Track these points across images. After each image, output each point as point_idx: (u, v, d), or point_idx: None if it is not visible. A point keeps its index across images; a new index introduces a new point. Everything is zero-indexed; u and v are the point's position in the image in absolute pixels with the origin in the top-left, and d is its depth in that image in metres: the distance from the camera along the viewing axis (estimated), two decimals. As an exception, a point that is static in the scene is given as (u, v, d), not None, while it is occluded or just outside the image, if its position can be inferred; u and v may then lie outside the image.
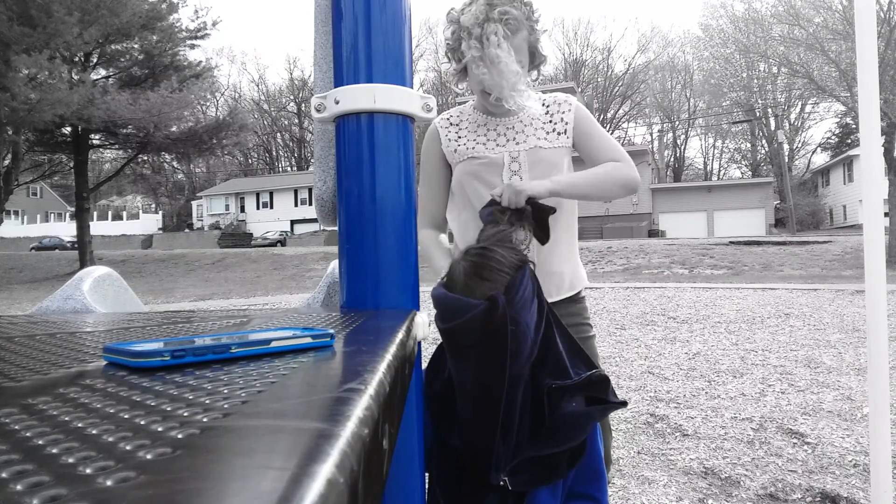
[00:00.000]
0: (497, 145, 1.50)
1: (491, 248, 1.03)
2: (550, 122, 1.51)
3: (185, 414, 0.25)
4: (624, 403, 1.07)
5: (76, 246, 27.82)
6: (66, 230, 38.68)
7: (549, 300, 1.43)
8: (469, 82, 1.48)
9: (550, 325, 1.04)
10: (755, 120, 41.49)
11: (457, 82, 1.52)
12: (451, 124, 1.58)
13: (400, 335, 0.48)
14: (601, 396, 1.05)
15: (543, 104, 1.53)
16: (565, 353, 1.04)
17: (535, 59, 1.46)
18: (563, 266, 1.53)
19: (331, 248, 23.31)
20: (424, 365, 1.04)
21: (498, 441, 0.96)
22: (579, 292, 1.58)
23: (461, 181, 1.54)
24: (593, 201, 1.55)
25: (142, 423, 0.24)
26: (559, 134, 1.50)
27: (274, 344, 0.42)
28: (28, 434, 0.22)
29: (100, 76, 20.14)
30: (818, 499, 2.25)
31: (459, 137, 1.55)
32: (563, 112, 1.51)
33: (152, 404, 0.27)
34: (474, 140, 1.53)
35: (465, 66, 1.42)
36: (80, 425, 0.24)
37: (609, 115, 50.96)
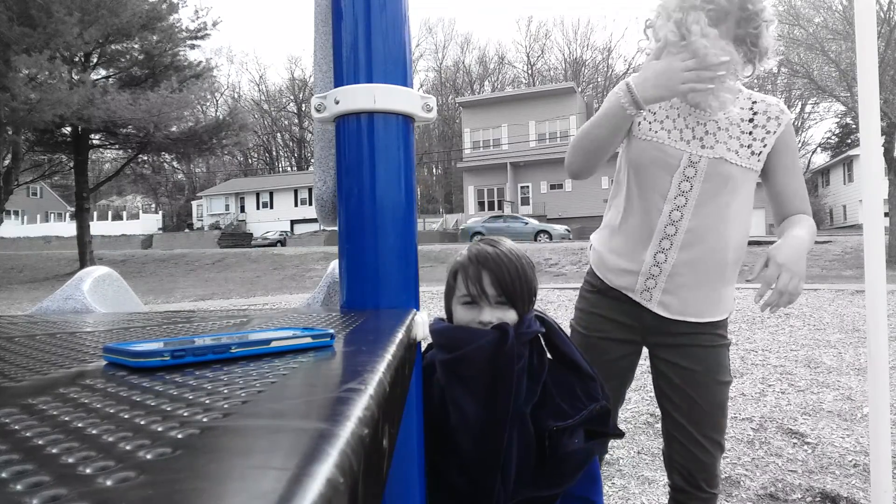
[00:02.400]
0: (682, 139, 1.34)
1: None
2: (751, 133, 1.34)
3: (185, 414, 0.25)
4: (622, 434, 1.07)
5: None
6: (66, 230, 38.67)
7: (678, 317, 1.38)
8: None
9: (548, 362, 1.05)
10: (755, 120, 41.43)
11: (656, 56, 1.32)
12: None
13: (400, 335, 0.48)
14: (601, 429, 1.05)
15: (752, 105, 1.35)
16: (566, 389, 1.03)
17: (748, 52, 1.28)
18: (729, 287, 1.42)
19: (331, 248, 23.31)
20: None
21: (497, 479, 0.95)
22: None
23: (633, 163, 1.39)
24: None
25: (142, 423, 0.24)
26: (753, 154, 1.32)
27: (274, 344, 0.42)
28: (28, 434, 0.22)
29: (100, 76, 20.12)
30: (818, 499, 2.25)
31: (656, 110, 1.38)
32: (769, 130, 1.33)
33: (152, 404, 0.27)
34: (661, 123, 1.36)
35: (662, 49, 1.26)
36: (80, 425, 0.24)
37: (609, 115, 50.76)
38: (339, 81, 0.81)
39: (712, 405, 1.40)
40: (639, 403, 3.54)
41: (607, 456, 2.71)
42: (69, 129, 19.60)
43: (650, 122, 1.38)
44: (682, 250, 1.35)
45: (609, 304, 1.46)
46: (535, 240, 22.73)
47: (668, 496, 1.56)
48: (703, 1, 1.20)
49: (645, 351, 1.53)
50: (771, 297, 1.17)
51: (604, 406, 1.03)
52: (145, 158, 23.72)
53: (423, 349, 0.97)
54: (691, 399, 1.41)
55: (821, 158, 44.87)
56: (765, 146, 1.34)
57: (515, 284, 1.03)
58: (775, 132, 1.34)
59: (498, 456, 0.94)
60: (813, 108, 38.58)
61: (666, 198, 1.34)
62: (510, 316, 1.03)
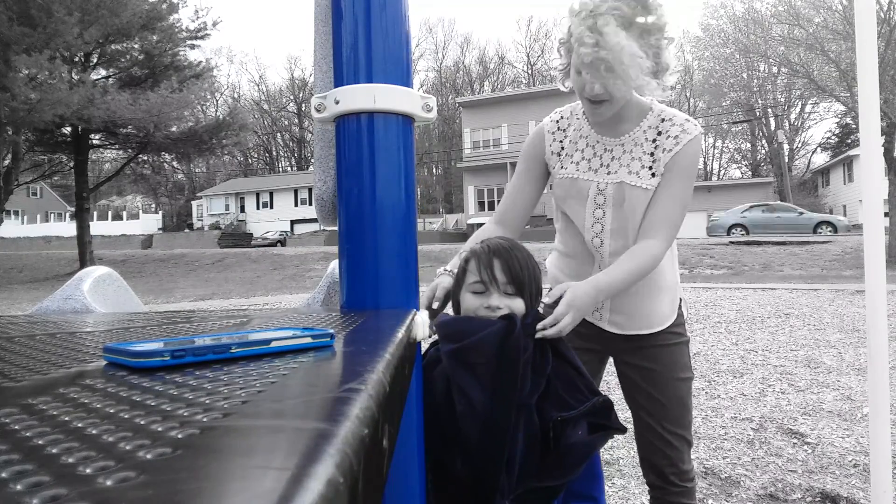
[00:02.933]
0: (589, 168, 1.41)
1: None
2: (653, 154, 1.36)
3: (185, 414, 0.25)
4: (624, 429, 1.08)
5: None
6: (66, 230, 38.68)
7: (625, 332, 1.46)
8: (573, 83, 1.35)
9: (551, 357, 1.07)
10: (755, 120, 41.49)
11: (562, 79, 1.41)
12: (558, 128, 1.48)
13: (400, 335, 0.48)
14: (604, 422, 1.06)
15: (659, 125, 1.38)
16: (568, 382, 1.05)
17: (651, 64, 1.29)
18: (667, 294, 1.48)
19: (331, 248, 23.31)
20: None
21: (502, 469, 0.96)
22: (679, 306, 1.53)
23: (556, 196, 1.49)
24: None
25: (142, 423, 0.24)
26: (654, 175, 1.35)
27: (274, 344, 0.42)
28: (28, 434, 0.22)
29: (100, 76, 20.12)
30: (818, 499, 2.25)
31: (563, 149, 1.46)
32: (666, 148, 1.35)
33: (152, 404, 0.27)
34: (571, 157, 1.44)
35: (570, 64, 1.32)
36: (80, 425, 0.24)
37: (609, 115, 50.84)
38: (339, 81, 0.81)
39: (673, 401, 1.48)
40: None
41: (607, 456, 2.71)
42: (69, 129, 19.60)
43: (561, 160, 1.46)
44: (611, 255, 1.41)
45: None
46: (815, 232, 18.64)
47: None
48: (609, 7, 1.22)
49: None
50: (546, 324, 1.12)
51: (606, 399, 1.04)
52: (145, 158, 23.71)
53: (423, 350, 0.97)
54: (653, 397, 1.49)
55: (821, 158, 44.92)
56: (662, 166, 1.36)
57: (524, 274, 1.07)
58: (672, 150, 1.35)
59: (503, 445, 0.95)
60: (813, 108, 38.59)
61: (584, 227, 1.42)
62: (518, 305, 1.06)
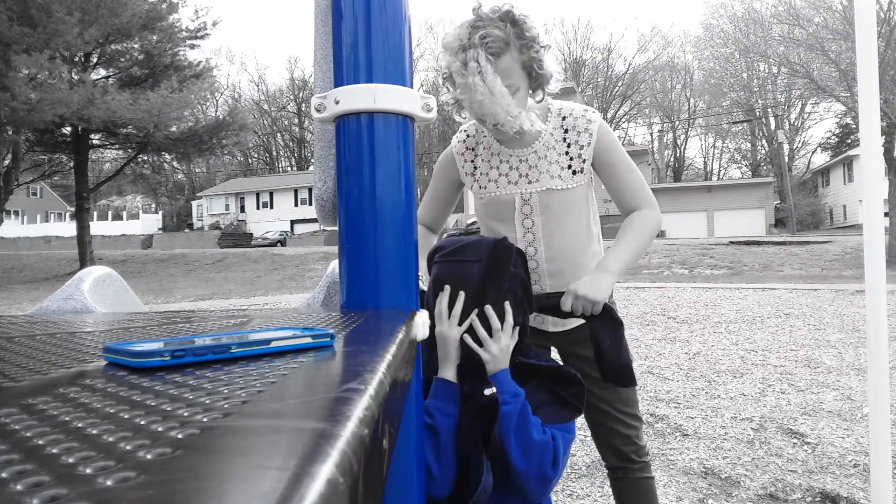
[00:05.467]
0: (509, 182, 1.42)
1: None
2: (567, 153, 1.39)
3: (185, 414, 0.25)
4: (580, 409, 1.16)
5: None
6: (66, 230, 38.68)
7: (567, 327, 1.52)
8: (469, 113, 1.37)
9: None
10: (755, 120, 41.49)
11: (457, 111, 1.42)
12: (467, 148, 1.49)
13: (400, 335, 0.48)
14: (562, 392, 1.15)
15: (562, 122, 1.41)
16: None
17: (534, 78, 1.33)
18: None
19: (331, 248, 23.30)
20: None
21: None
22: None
23: (479, 215, 1.52)
24: None
25: (142, 423, 0.24)
26: (575, 172, 1.39)
27: (274, 344, 0.42)
28: (28, 434, 0.22)
29: (100, 76, 20.11)
30: (818, 499, 2.25)
31: (476, 169, 1.48)
32: (582, 144, 1.38)
33: (152, 404, 0.27)
34: (487, 175, 1.45)
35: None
36: (80, 425, 0.24)
37: (609, 115, 50.96)
38: (339, 81, 0.81)
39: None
40: (639, 403, 3.55)
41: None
42: (69, 129, 19.59)
43: (478, 179, 1.47)
44: (550, 277, 1.45)
45: None
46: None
47: (608, 479, 1.68)
48: (480, 38, 1.22)
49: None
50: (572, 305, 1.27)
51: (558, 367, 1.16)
52: (145, 158, 23.70)
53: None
54: (602, 383, 1.49)
55: (821, 158, 44.91)
56: (584, 161, 1.39)
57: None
58: (590, 143, 1.38)
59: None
60: (813, 108, 38.58)
61: (517, 238, 1.44)
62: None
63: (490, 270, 1.11)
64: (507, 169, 1.43)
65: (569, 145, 1.39)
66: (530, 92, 1.36)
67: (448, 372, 1.10)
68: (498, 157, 1.44)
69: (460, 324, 1.11)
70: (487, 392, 1.08)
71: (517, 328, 1.14)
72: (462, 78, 1.23)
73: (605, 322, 1.25)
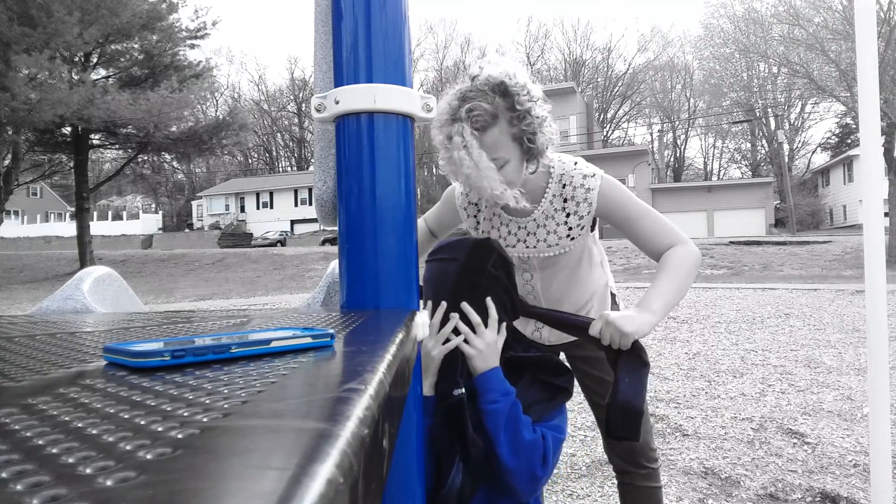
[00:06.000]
0: (506, 245, 1.42)
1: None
2: (566, 223, 1.38)
3: (185, 414, 0.25)
4: (569, 391, 1.16)
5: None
6: (66, 230, 38.68)
7: (565, 340, 1.55)
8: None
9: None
10: (755, 120, 41.49)
11: (452, 177, 1.36)
12: (469, 203, 1.49)
13: (400, 335, 0.48)
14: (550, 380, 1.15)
15: (562, 191, 1.37)
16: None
17: (526, 150, 1.27)
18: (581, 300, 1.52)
19: (331, 248, 23.30)
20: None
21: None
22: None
23: None
24: None
25: (142, 423, 0.24)
26: (573, 238, 1.39)
27: (274, 344, 0.42)
28: (28, 434, 0.22)
29: (100, 76, 20.11)
30: (818, 499, 2.25)
31: (478, 224, 1.49)
32: (582, 214, 1.36)
33: (152, 404, 0.27)
34: (488, 233, 1.46)
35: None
36: (80, 425, 0.24)
37: (609, 115, 51.01)
38: (339, 81, 0.81)
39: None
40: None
41: (605, 458, 2.71)
42: (69, 129, 19.60)
43: (482, 229, 1.48)
44: (545, 292, 1.49)
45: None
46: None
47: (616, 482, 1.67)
48: (467, 111, 1.19)
49: None
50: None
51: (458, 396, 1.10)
52: (145, 158, 23.71)
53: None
54: (606, 382, 1.47)
55: (821, 158, 44.90)
56: (582, 228, 1.39)
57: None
58: (589, 212, 1.36)
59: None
60: (813, 108, 38.57)
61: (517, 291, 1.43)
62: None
63: (466, 269, 1.10)
64: (506, 232, 1.44)
65: (568, 215, 1.38)
66: (525, 163, 1.30)
67: (424, 385, 1.06)
68: (499, 219, 1.45)
69: (441, 331, 1.08)
70: (456, 392, 1.06)
71: (503, 324, 1.12)
72: (447, 152, 1.21)
73: (632, 358, 1.17)
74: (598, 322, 1.19)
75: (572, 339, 1.51)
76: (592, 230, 1.47)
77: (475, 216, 1.48)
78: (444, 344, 1.08)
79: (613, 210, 1.36)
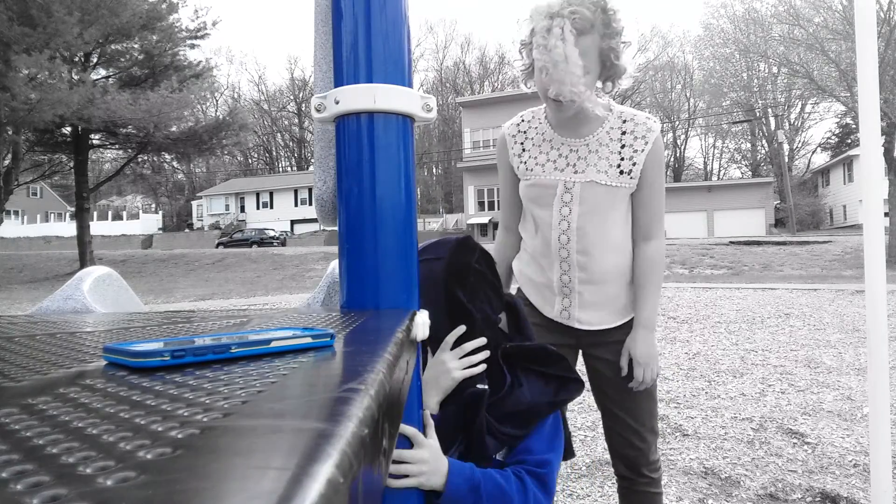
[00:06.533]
0: (556, 168, 1.45)
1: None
2: (620, 153, 1.42)
3: (185, 414, 0.25)
4: (580, 381, 1.12)
5: (279, 240, 28.19)
6: (66, 230, 38.68)
7: (594, 327, 1.53)
8: (536, 83, 1.40)
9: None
10: (755, 120, 41.48)
11: (525, 79, 1.47)
12: (519, 131, 1.54)
13: (400, 335, 0.48)
14: (560, 373, 1.11)
15: (622, 125, 1.44)
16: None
17: (607, 68, 1.35)
18: (615, 281, 1.52)
19: (331, 248, 23.30)
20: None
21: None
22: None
23: (524, 200, 1.54)
24: None
25: (142, 423, 0.24)
26: (622, 173, 1.41)
27: (274, 344, 0.42)
28: (28, 434, 0.22)
29: (100, 76, 20.10)
30: (818, 499, 2.25)
31: (524, 151, 1.51)
32: (636, 149, 1.41)
33: (152, 404, 0.27)
34: (535, 159, 1.49)
35: (533, 64, 1.37)
36: (80, 425, 0.24)
37: (609, 115, 50.86)
38: (339, 81, 0.81)
39: (642, 394, 1.53)
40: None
41: (607, 456, 2.71)
42: (69, 129, 19.59)
43: (525, 162, 1.51)
44: (580, 270, 1.47)
45: (541, 314, 1.58)
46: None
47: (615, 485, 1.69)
48: (570, 12, 1.26)
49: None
50: (636, 383, 1.47)
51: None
52: (145, 158, 23.71)
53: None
54: (624, 390, 1.52)
55: (821, 158, 44.89)
56: (634, 164, 1.42)
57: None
58: (644, 150, 1.42)
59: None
60: (813, 108, 38.56)
61: (552, 225, 1.47)
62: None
63: (452, 265, 1.09)
64: (555, 156, 1.46)
65: (623, 146, 1.42)
66: (600, 82, 1.39)
67: (431, 401, 1.00)
68: (549, 144, 1.48)
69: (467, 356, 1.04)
70: (479, 386, 1.04)
71: (482, 351, 1.05)
72: (544, 40, 1.26)
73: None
74: (638, 370, 1.43)
75: (605, 325, 1.51)
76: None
77: (522, 143, 1.52)
78: (468, 368, 1.02)
79: (653, 166, 1.42)
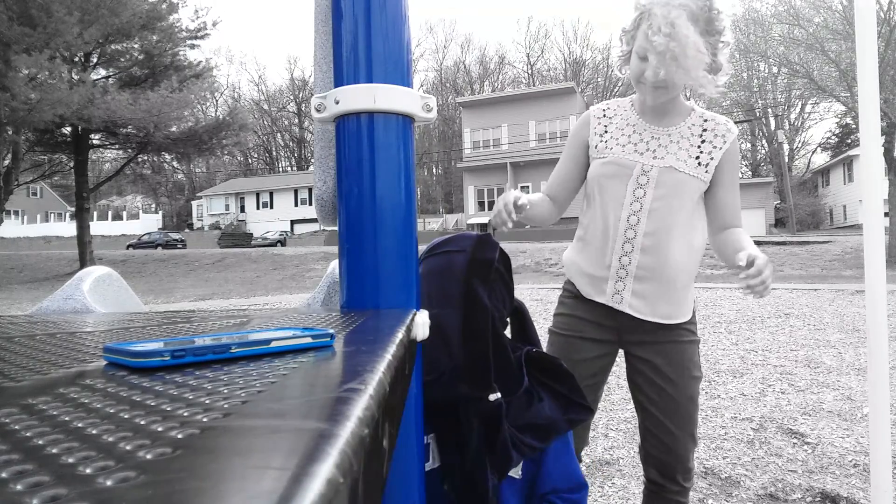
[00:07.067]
0: (636, 151, 1.49)
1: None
2: (699, 147, 1.48)
3: (185, 414, 0.25)
4: (591, 409, 1.12)
5: (182, 242, 28.36)
6: (66, 230, 38.67)
7: (647, 318, 1.51)
8: (630, 71, 1.46)
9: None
10: (755, 120, 41.48)
11: (620, 66, 1.52)
12: (604, 115, 1.58)
13: (400, 335, 0.48)
14: (573, 397, 1.09)
15: (703, 123, 1.51)
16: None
17: (710, 60, 1.40)
18: (689, 290, 1.54)
19: (331, 248, 23.30)
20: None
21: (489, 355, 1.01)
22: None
23: (595, 179, 1.55)
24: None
25: (142, 423, 0.24)
26: (700, 164, 1.47)
27: (274, 344, 0.42)
28: (28, 434, 0.22)
29: (100, 76, 20.11)
30: (818, 499, 2.25)
31: (606, 132, 1.55)
32: (716, 146, 1.48)
33: (152, 404, 0.27)
34: (616, 140, 1.53)
35: (631, 53, 1.45)
36: (80, 425, 0.24)
37: (609, 115, 50.85)
38: (339, 81, 0.81)
39: (685, 398, 1.50)
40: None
41: (607, 456, 2.71)
42: (69, 129, 19.60)
43: (606, 142, 1.54)
44: (642, 254, 1.47)
45: (586, 306, 1.58)
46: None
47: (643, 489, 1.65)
48: (681, 3, 1.33)
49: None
50: (756, 281, 1.27)
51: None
52: (145, 158, 23.72)
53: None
54: (665, 393, 1.51)
55: (821, 158, 44.90)
56: (712, 159, 1.48)
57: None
58: (722, 147, 1.48)
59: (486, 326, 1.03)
60: (813, 108, 38.56)
61: (623, 204, 1.49)
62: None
63: (474, 259, 1.09)
64: (637, 140, 1.51)
65: (703, 141, 1.49)
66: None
67: None
68: (632, 128, 1.53)
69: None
70: (493, 398, 1.01)
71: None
72: (668, 28, 1.31)
73: None
74: (759, 260, 1.26)
75: (653, 318, 1.49)
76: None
77: (605, 126, 1.57)
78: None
79: (729, 163, 1.49)
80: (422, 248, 1.23)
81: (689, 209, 1.48)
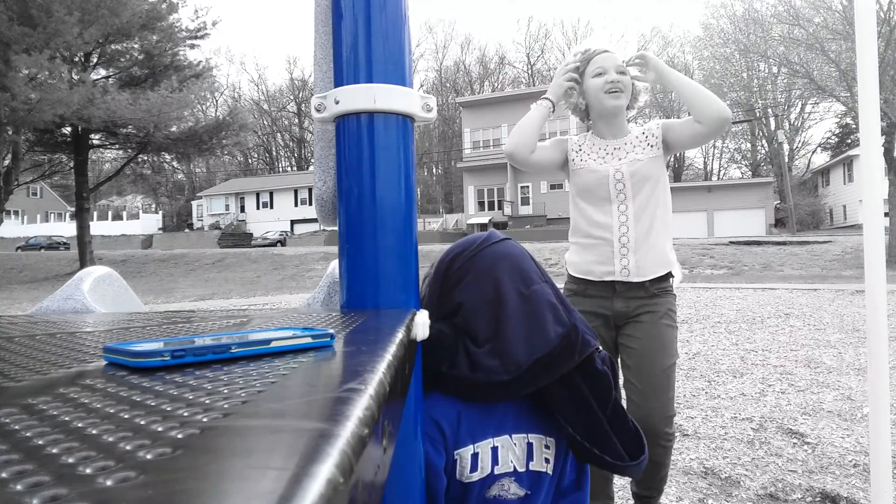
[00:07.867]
0: (604, 161, 1.90)
1: None
2: (645, 140, 1.91)
3: (185, 414, 0.25)
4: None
5: (65, 245, 28.22)
6: (66, 230, 38.69)
7: (647, 278, 1.81)
8: (590, 90, 1.89)
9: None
10: (755, 120, 41.49)
11: (575, 103, 1.97)
12: (577, 141, 1.99)
13: (400, 335, 0.48)
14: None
15: (643, 132, 1.92)
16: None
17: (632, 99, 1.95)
18: (660, 242, 1.83)
19: (331, 248, 23.31)
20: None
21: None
22: (669, 274, 1.86)
23: (577, 184, 1.93)
24: (692, 104, 1.80)
25: (142, 423, 0.24)
26: (651, 146, 1.89)
27: (274, 344, 0.42)
28: (28, 434, 0.22)
29: (100, 76, 20.11)
30: (818, 499, 2.25)
31: (580, 149, 1.97)
32: (654, 134, 1.90)
33: (152, 404, 0.27)
34: (588, 154, 1.95)
35: (583, 83, 1.92)
36: (80, 425, 0.24)
37: (609, 115, 50.81)
38: (339, 81, 0.81)
39: (662, 367, 1.78)
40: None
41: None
42: (69, 129, 19.60)
43: (579, 155, 1.95)
44: (636, 221, 1.83)
45: (588, 302, 1.87)
46: None
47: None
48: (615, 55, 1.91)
49: None
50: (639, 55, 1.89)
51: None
52: (145, 158, 23.71)
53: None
54: (645, 360, 1.78)
55: (821, 158, 44.89)
56: (656, 139, 1.89)
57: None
58: (656, 131, 1.90)
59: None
60: (813, 108, 38.55)
61: (610, 199, 1.86)
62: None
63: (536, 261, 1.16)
64: (603, 153, 1.92)
65: (645, 137, 1.91)
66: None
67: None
68: (598, 146, 1.95)
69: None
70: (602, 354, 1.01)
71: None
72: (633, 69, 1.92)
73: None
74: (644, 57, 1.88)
75: (654, 274, 1.80)
76: (667, 158, 1.92)
77: (580, 144, 1.98)
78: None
79: (666, 127, 1.88)
80: (444, 247, 1.15)
81: (662, 181, 1.87)
